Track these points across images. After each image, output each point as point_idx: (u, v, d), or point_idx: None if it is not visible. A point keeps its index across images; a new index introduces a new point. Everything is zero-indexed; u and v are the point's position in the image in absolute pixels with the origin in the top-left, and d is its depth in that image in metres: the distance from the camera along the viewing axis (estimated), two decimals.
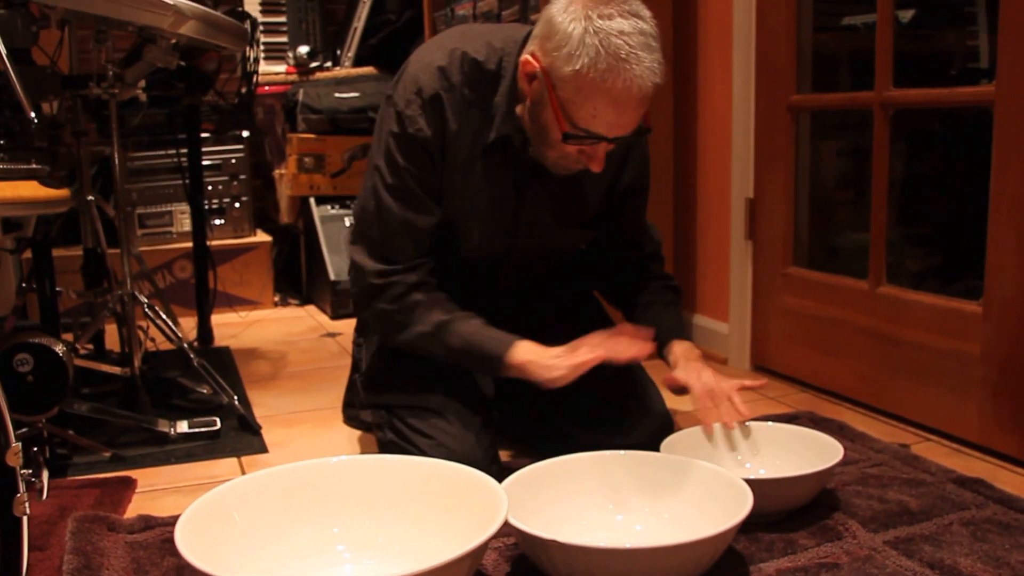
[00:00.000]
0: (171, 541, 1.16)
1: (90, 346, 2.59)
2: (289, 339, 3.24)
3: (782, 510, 1.45)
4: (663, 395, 1.76)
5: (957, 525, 1.43)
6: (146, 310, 2.27)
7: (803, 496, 1.46)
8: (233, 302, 3.76)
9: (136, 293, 2.25)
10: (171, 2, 1.82)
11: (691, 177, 2.73)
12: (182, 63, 2.50)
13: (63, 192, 1.75)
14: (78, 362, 2.31)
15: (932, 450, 1.86)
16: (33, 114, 1.78)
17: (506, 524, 1.18)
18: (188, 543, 1.10)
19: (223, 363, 2.80)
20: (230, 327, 3.42)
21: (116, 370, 2.26)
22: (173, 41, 2.13)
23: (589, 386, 1.65)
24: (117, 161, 2.26)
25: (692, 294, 2.80)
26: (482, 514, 1.18)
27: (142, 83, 2.24)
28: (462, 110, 1.58)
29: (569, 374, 1.50)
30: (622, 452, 1.44)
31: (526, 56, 1.47)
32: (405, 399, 1.64)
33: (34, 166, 1.71)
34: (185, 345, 2.28)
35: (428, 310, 1.59)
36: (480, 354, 1.56)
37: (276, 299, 3.85)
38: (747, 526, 1.41)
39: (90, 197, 2.37)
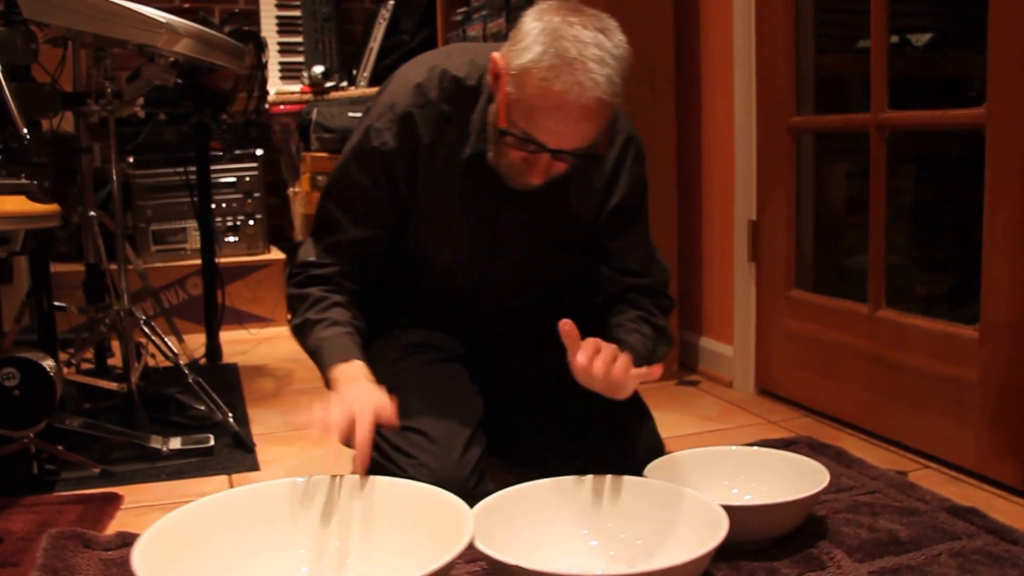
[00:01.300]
0: None
1: (91, 363, 2.60)
2: (297, 357, 3.22)
3: (765, 537, 1.42)
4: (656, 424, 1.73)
5: (946, 556, 1.39)
6: (143, 327, 2.27)
7: (787, 523, 1.43)
8: (245, 319, 3.76)
9: (133, 309, 2.26)
10: (164, 20, 1.83)
11: (695, 199, 2.70)
12: (179, 80, 2.50)
13: (51, 207, 1.75)
14: (76, 377, 2.31)
15: (930, 478, 1.82)
16: (26, 130, 1.79)
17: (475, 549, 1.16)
18: (145, 566, 1.08)
19: (228, 380, 2.80)
20: (240, 344, 3.42)
21: (113, 386, 2.27)
22: (172, 59, 2.14)
23: (584, 409, 1.63)
24: (115, 176, 2.27)
25: (698, 316, 2.77)
26: (450, 537, 1.16)
27: (140, 100, 2.25)
28: (438, 126, 1.56)
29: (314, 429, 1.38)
30: (600, 476, 1.41)
31: (494, 55, 1.46)
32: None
33: (22, 181, 1.72)
34: (181, 362, 2.28)
35: (311, 305, 1.58)
36: (320, 361, 1.54)
37: (289, 317, 3.84)
38: (729, 554, 1.39)
39: (92, 213, 2.38)
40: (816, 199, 2.44)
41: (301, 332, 1.59)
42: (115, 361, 2.61)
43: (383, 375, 1.60)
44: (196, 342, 3.03)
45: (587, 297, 1.75)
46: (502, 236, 1.64)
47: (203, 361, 3.02)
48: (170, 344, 2.32)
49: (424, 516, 1.26)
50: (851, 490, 1.69)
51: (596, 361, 1.38)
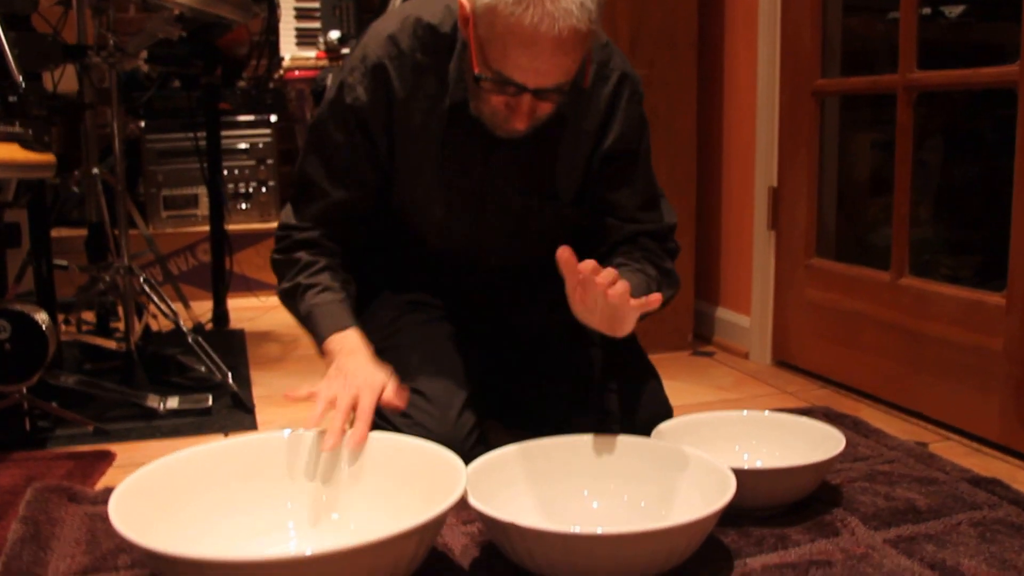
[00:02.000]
0: None
1: (92, 327, 2.56)
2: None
3: (776, 504, 1.35)
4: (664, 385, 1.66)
5: (966, 525, 1.32)
6: (143, 284, 2.22)
7: (799, 489, 1.36)
8: (254, 286, 3.71)
9: (133, 266, 2.21)
10: None
11: (715, 165, 2.63)
12: (189, 38, 2.44)
13: (46, 156, 1.70)
14: (75, 336, 2.27)
15: (951, 449, 1.75)
16: (21, 80, 1.73)
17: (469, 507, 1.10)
18: (121, 516, 1.03)
19: (233, 344, 2.75)
20: (248, 311, 3.37)
21: (112, 345, 2.22)
22: (176, 12, 2.08)
23: (585, 367, 1.57)
24: (116, 132, 2.22)
25: (715, 286, 2.70)
26: (442, 494, 1.10)
27: (144, 54, 2.19)
28: (413, 77, 1.49)
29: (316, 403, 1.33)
30: (602, 436, 1.34)
31: (461, 0, 1.37)
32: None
33: (16, 129, 1.66)
34: (182, 323, 2.23)
35: (299, 270, 1.51)
36: (313, 328, 1.48)
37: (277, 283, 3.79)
38: (739, 520, 1.32)
39: (95, 170, 2.33)
40: (839, 166, 2.36)
41: (290, 298, 1.53)
42: (118, 326, 2.57)
43: (379, 334, 1.55)
44: (205, 309, 2.98)
45: (589, 249, 1.68)
46: (490, 189, 1.56)
47: (209, 326, 2.98)
48: (170, 304, 2.26)
49: (416, 471, 1.20)
50: (868, 459, 1.62)
51: (596, 278, 1.25)
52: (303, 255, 1.53)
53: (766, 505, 1.34)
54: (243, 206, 3.81)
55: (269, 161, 3.81)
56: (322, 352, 1.47)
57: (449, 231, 1.60)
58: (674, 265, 1.63)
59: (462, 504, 1.41)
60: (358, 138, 1.52)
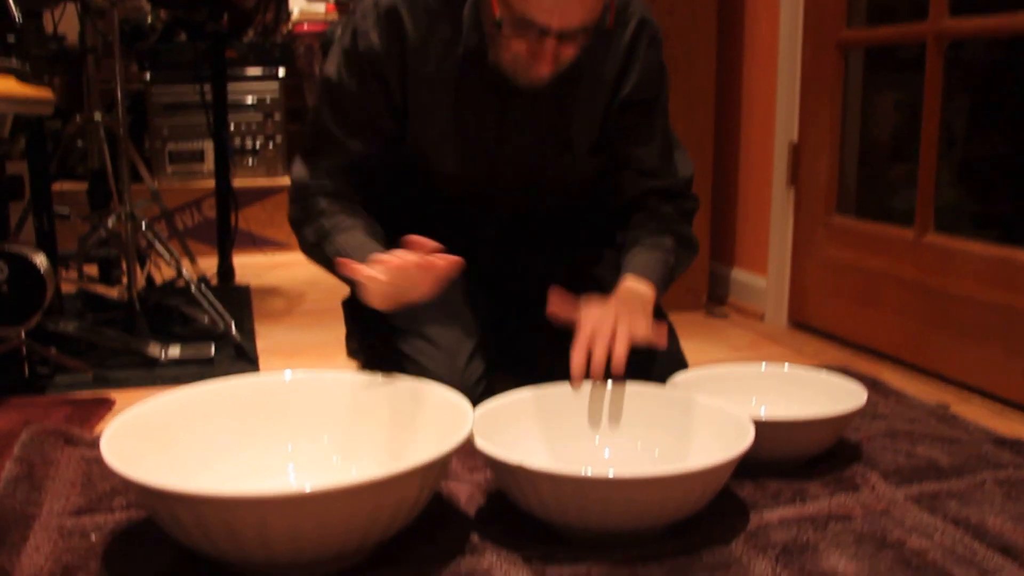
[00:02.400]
0: None
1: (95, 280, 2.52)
2: (313, 280, 3.13)
3: (794, 458, 1.30)
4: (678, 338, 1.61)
5: (991, 484, 1.27)
6: (145, 232, 2.17)
7: (818, 442, 1.31)
8: (260, 243, 3.67)
9: (135, 212, 2.16)
10: None
11: (734, 120, 2.56)
12: None
13: (43, 92, 1.65)
14: (76, 284, 2.22)
15: (974, 411, 1.69)
16: (19, 16, 1.68)
17: (478, 453, 1.06)
18: (114, 452, 0.98)
19: (238, 299, 2.70)
20: (254, 267, 3.33)
21: (113, 293, 2.18)
22: None
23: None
24: (119, 76, 2.16)
25: (731, 246, 2.64)
26: (449, 436, 1.05)
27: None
28: (427, 22, 1.43)
29: (378, 302, 1.24)
30: (615, 383, 1.29)
31: None
32: (391, 323, 1.51)
33: (13, 63, 1.61)
34: (184, 270, 2.19)
35: (322, 218, 1.45)
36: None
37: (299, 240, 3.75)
38: (756, 473, 1.28)
39: (97, 116, 2.29)
40: (861, 123, 2.29)
41: (317, 246, 1.46)
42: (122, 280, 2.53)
43: None
44: (210, 265, 2.94)
45: (603, 202, 1.63)
46: (507, 138, 1.51)
47: (214, 282, 2.93)
48: (173, 252, 2.22)
49: (421, 413, 1.16)
50: (888, 418, 1.57)
51: (593, 360, 1.27)
52: (323, 203, 1.47)
53: (784, 458, 1.29)
54: (250, 161, 3.76)
55: (277, 116, 3.75)
56: (354, 284, 1.38)
57: (462, 180, 1.54)
58: (691, 226, 1.59)
59: (469, 452, 1.37)
60: (373, 85, 1.46)
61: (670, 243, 1.52)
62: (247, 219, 3.62)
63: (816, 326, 2.29)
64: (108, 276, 2.51)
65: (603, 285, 1.49)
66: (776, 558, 1.04)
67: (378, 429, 1.19)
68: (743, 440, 1.09)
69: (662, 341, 1.33)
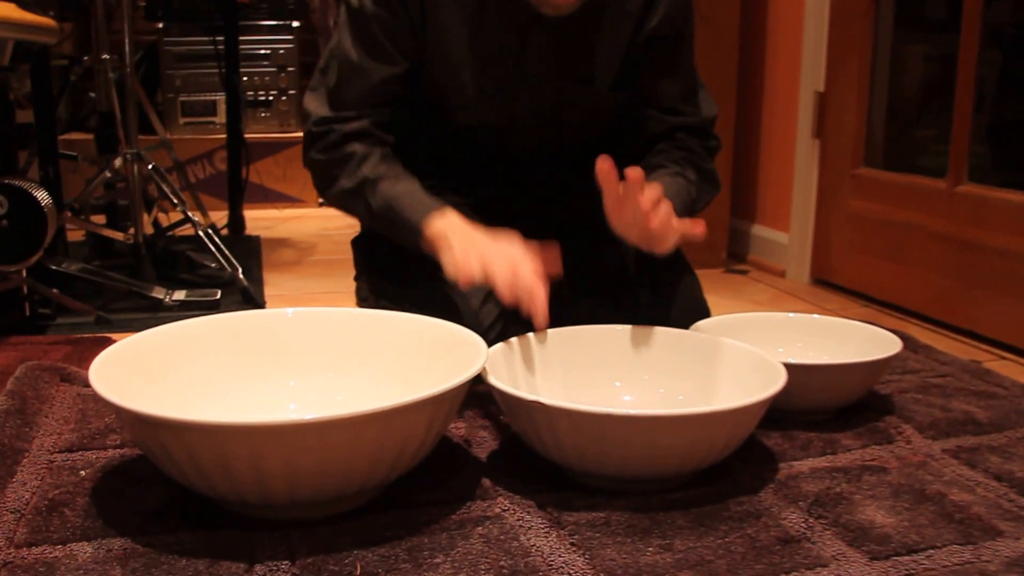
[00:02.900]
0: None
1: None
2: (325, 233, 3.08)
3: (824, 407, 1.24)
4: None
5: None
6: (152, 172, 2.11)
7: (849, 390, 1.24)
8: (273, 197, 3.62)
9: (142, 153, 2.10)
10: None
11: (758, 68, 2.47)
12: None
13: (46, 20, 1.58)
14: (80, 224, 2.17)
15: (1007, 368, 1.63)
16: None
17: (489, 396, 1.00)
18: (105, 379, 0.92)
19: (248, 249, 2.65)
20: (265, 221, 3.28)
21: (119, 235, 2.12)
22: None
23: (617, 264, 1.45)
24: (126, 10, 2.09)
25: (752, 202, 2.56)
26: (458, 372, 0.99)
27: None
28: None
29: (463, 280, 1.15)
30: (638, 327, 1.23)
31: None
32: (399, 262, 1.45)
33: None
34: (190, 213, 2.13)
35: (359, 164, 1.35)
36: (399, 219, 1.30)
37: (321, 199, 3.69)
38: (783, 423, 1.21)
39: (105, 56, 2.22)
40: (891, 69, 2.21)
41: (355, 196, 1.35)
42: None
43: None
44: (220, 217, 2.88)
45: (626, 142, 1.55)
46: (527, 70, 1.42)
47: (224, 232, 2.88)
48: (180, 194, 2.16)
49: (431, 352, 1.10)
50: (919, 372, 1.50)
51: (640, 197, 1.17)
52: (356, 147, 1.37)
53: (814, 408, 1.23)
54: (263, 114, 3.70)
55: (290, 69, 3.69)
56: (422, 241, 1.28)
57: (480, 110, 1.46)
58: (714, 164, 1.51)
59: (480, 398, 1.31)
60: (395, 4, 1.38)
61: (693, 175, 1.45)
62: (259, 173, 3.56)
63: (839, 283, 2.22)
64: (115, 223, 2.45)
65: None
66: (808, 509, 0.98)
67: (385, 367, 1.12)
68: (774, 383, 1.02)
69: (699, 226, 1.23)
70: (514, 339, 1.17)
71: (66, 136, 3.35)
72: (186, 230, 2.33)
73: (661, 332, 1.22)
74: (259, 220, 3.23)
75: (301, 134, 1.45)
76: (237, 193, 2.95)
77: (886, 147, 2.21)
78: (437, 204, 1.29)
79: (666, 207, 1.19)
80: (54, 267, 1.85)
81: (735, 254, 2.62)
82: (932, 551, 0.89)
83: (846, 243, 2.18)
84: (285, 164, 3.66)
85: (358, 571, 0.82)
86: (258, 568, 0.83)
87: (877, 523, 0.95)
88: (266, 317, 1.16)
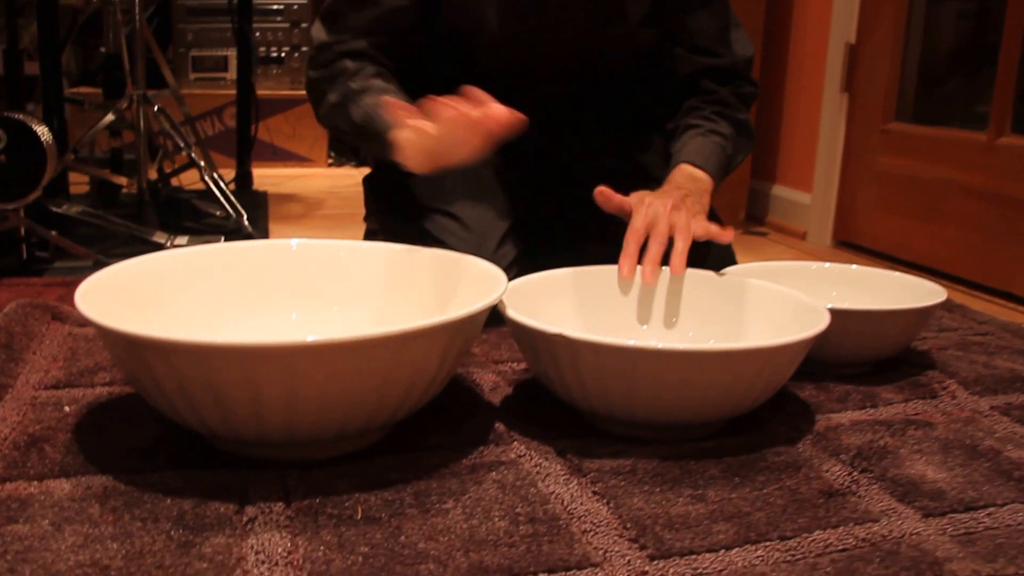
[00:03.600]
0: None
1: None
2: (334, 190, 3.00)
3: (862, 358, 1.15)
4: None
5: None
6: (157, 114, 2.03)
7: (890, 339, 1.15)
8: (282, 156, 3.54)
9: (148, 95, 2.02)
10: None
11: (784, 18, 2.37)
12: None
13: None
14: (82, 167, 2.09)
15: None
16: None
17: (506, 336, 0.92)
18: (92, 302, 0.84)
19: (254, 201, 2.57)
20: (274, 178, 3.20)
21: (122, 181, 2.05)
22: None
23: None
24: None
25: (772, 161, 2.47)
26: (474, 303, 0.91)
27: None
28: None
29: (418, 162, 1.07)
30: (665, 267, 1.14)
31: None
32: (415, 200, 1.37)
33: None
34: (195, 157, 2.05)
35: (348, 78, 1.26)
36: (372, 129, 1.19)
37: (330, 159, 3.62)
38: (817, 375, 1.14)
39: None
40: (926, 20, 2.10)
41: (340, 109, 1.26)
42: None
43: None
44: (230, 175, 2.80)
45: (653, 85, 1.46)
46: (554, 5, 1.34)
47: (232, 186, 2.80)
48: (186, 139, 2.08)
49: (443, 282, 1.02)
50: (957, 331, 1.42)
51: (646, 257, 1.12)
52: (348, 64, 1.28)
53: (850, 359, 1.14)
54: (274, 71, 3.62)
55: (303, 24, 3.61)
56: (390, 147, 1.15)
57: (504, 49, 1.37)
58: (749, 113, 1.43)
59: (495, 341, 1.23)
60: None
61: (727, 129, 1.37)
62: (268, 130, 3.49)
63: (864, 244, 2.13)
64: (121, 170, 2.38)
65: (650, 173, 1.34)
66: (851, 462, 0.90)
67: (394, 299, 1.05)
68: (815, 325, 0.94)
69: (727, 235, 1.16)
70: (536, 275, 1.09)
71: (75, 89, 3.28)
72: (194, 184, 2.25)
73: (691, 274, 1.13)
74: (267, 177, 3.16)
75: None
76: (245, 148, 2.87)
77: (918, 101, 2.11)
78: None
79: (678, 252, 1.12)
80: (54, 208, 1.77)
81: (754, 216, 2.53)
82: (992, 509, 0.81)
83: (873, 202, 2.09)
84: (295, 122, 3.58)
85: (359, 514, 0.75)
86: (249, 509, 0.76)
87: (928, 478, 0.87)
88: (269, 247, 1.08)
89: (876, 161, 2.07)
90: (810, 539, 0.75)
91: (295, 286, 1.06)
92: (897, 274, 1.30)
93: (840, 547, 0.74)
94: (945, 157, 1.88)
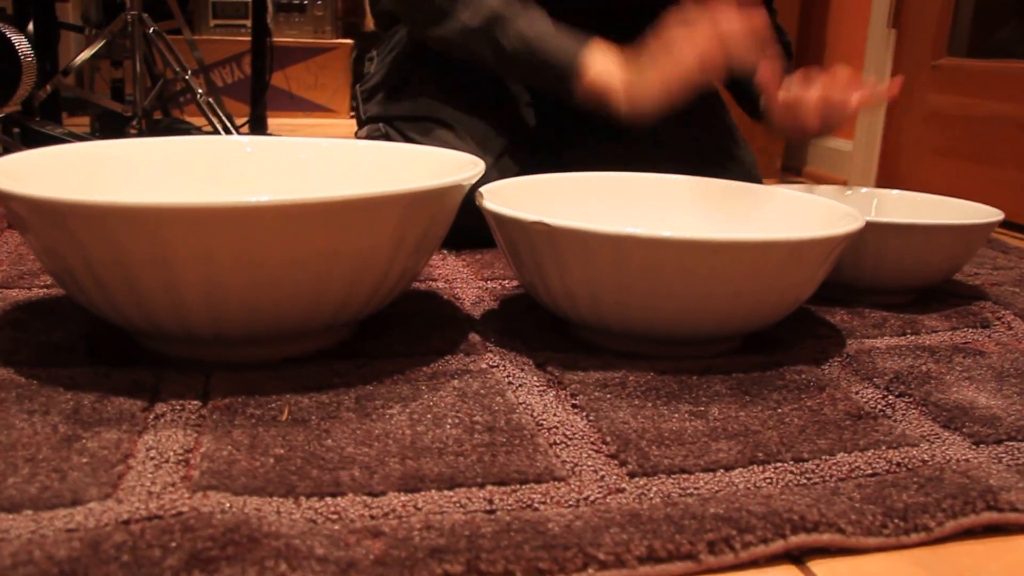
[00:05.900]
0: None
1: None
2: (350, 136, 2.87)
3: (902, 285, 1.01)
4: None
5: None
6: (154, 35, 1.92)
7: (933, 260, 0.99)
8: (303, 106, 3.43)
9: (144, 16, 1.90)
10: None
11: None
12: None
13: None
14: (75, 91, 1.99)
15: None
16: None
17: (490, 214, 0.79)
18: (11, 174, 0.72)
19: None
20: (291, 126, 3.08)
21: (118, 107, 1.94)
22: None
23: (667, 135, 1.23)
24: None
25: None
26: None
27: None
28: None
29: (665, 98, 1.02)
30: (673, 176, 1.01)
31: None
32: (410, 109, 1.23)
33: None
34: (192, 82, 1.93)
35: None
36: (542, 62, 1.08)
37: (352, 110, 3.49)
38: (850, 302, 0.99)
39: None
40: None
41: (481, 34, 1.11)
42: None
43: (424, 66, 1.25)
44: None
45: None
46: None
47: (244, 130, 2.68)
48: (183, 62, 1.96)
49: (420, 175, 0.89)
50: (1012, 269, 1.27)
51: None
52: None
53: (890, 285, 1.00)
54: (296, 19, 3.50)
55: None
56: (574, 84, 1.08)
57: None
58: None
59: (484, 262, 1.12)
60: None
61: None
62: (288, 78, 3.38)
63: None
64: (121, 97, 2.28)
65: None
66: (886, 386, 0.76)
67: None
68: (850, 225, 0.79)
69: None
70: (532, 176, 0.96)
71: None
72: (207, 127, 2.14)
73: (710, 183, 1.00)
74: (284, 125, 3.04)
75: (334, 41, 1.23)
76: (260, 91, 2.75)
77: (973, 34, 1.94)
78: (584, 41, 1.08)
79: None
80: (38, 128, 1.66)
81: (791, 167, 2.38)
82: None
83: (921, 145, 1.93)
84: (317, 71, 3.46)
85: (284, 415, 0.62)
86: (159, 407, 0.63)
87: (980, 404, 0.73)
88: (221, 142, 0.95)
89: (925, 100, 1.91)
90: (831, 461, 0.61)
91: (249, 185, 0.92)
92: (948, 200, 1.15)
93: (868, 471, 0.60)
94: (1003, 93, 1.72)
